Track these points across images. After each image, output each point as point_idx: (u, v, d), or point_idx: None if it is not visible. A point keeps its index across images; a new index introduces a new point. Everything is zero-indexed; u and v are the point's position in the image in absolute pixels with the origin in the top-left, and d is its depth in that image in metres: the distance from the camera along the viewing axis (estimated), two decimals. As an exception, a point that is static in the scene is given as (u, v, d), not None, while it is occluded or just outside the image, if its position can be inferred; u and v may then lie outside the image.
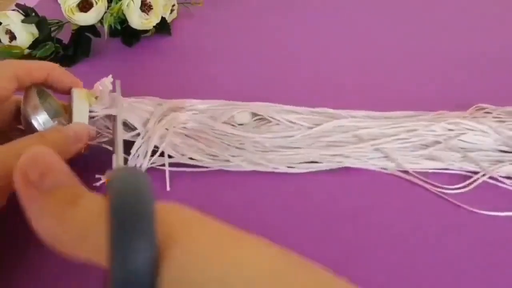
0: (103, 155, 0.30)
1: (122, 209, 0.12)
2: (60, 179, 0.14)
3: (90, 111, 0.30)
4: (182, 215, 0.14)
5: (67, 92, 0.30)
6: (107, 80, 0.32)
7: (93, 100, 0.31)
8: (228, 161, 0.31)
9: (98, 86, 0.31)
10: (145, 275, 0.12)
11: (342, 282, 0.13)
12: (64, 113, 0.29)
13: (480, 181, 0.31)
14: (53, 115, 0.28)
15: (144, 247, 0.12)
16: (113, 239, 0.12)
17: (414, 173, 0.32)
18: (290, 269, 0.12)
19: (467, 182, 0.31)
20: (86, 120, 0.29)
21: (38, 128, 0.27)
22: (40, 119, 0.27)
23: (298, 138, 0.34)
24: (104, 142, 0.31)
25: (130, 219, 0.12)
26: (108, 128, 0.31)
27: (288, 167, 0.31)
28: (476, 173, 0.32)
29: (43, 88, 0.30)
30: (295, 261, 0.13)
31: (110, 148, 0.30)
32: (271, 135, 0.33)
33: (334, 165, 0.32)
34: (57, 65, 0.30)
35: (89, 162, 0.31)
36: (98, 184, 0.30)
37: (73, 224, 0.13)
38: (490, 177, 0.32)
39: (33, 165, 0.14)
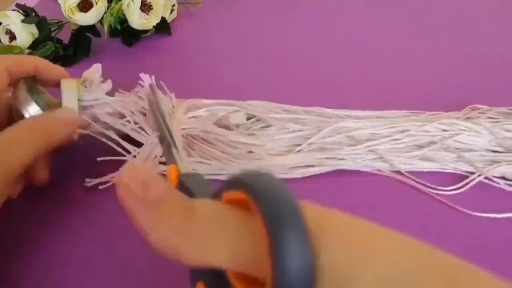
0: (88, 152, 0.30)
1: (279, 211, 0.12)
2: (162, 189, 0.14)
3: (79, 100, 0.30)
4: (323, 212, 0.14)
5: (57, 85, 0.30)
6: (95, 68, 0.32)
7: (82, 88, 0.31)
8: (222, 169, 0.31)
9: (86, 74, 0.31)
10: (310, 269, 0.12)
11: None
12: (56, 107, 0.29)
13: (475, 182, 0.31)
14: (43, 108, 0.28)
15: (305, 243, 0.12)
16: (275, 240, 0.12)
17: (408, 175, 0.32)
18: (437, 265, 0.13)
19: (462, 183, 0.31)
20: (75, 107, 0.29)
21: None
22: (31, 110, 0.27)
23: (293, 145, 0.33)
24: (96, 133, 0.30)
25: (289, 219, 0.12)
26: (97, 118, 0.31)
27: (282, 173, 0.31)
28: (470, 173, 0.32)
29: (34, 83, 0.29)
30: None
31: (103, 139, 0.30)
32: (265, 141, 0.33)
33: (328, 169, 0.32)
34: (42, 59, 0.31)
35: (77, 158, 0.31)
36: (88, 185, 0.30)
37: (195, 232, 0.13)
38: (485, 177, 0.32)
39: (135, 178, 0.13)
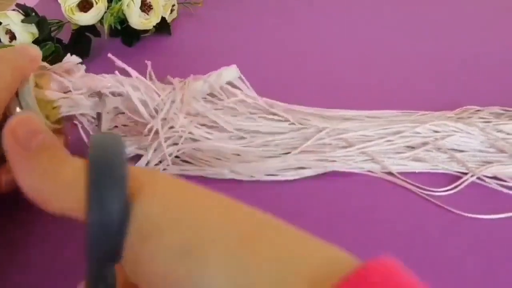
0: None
1: (99, 162, 0.14)
2: (46, 142, 0.15)
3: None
4: (152, 173, 0.15)
5: None
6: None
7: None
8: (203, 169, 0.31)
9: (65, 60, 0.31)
10: (118, 218, 0.13)
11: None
12: (46, 107, 0.27)
13: (467, 182, 0.31)
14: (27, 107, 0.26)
15: (118, 194, 0.13)
16: (90, 188, 0.13)
17: (400, 176, 0.32)
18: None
19: (455, 184, 0.31)
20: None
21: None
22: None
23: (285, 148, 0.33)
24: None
25: (106, 171, 0.14)
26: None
27: (273, 174, 0.31)
28: (462, 174, 0.32)
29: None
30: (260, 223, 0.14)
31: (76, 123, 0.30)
32: (254, 144, 0.33)
33: (320, 170, 0.31)
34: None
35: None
36: None
37: (57, 181, 0.14)
38: (477, 178, 0.32)
39: (22, 126, 0.15)
